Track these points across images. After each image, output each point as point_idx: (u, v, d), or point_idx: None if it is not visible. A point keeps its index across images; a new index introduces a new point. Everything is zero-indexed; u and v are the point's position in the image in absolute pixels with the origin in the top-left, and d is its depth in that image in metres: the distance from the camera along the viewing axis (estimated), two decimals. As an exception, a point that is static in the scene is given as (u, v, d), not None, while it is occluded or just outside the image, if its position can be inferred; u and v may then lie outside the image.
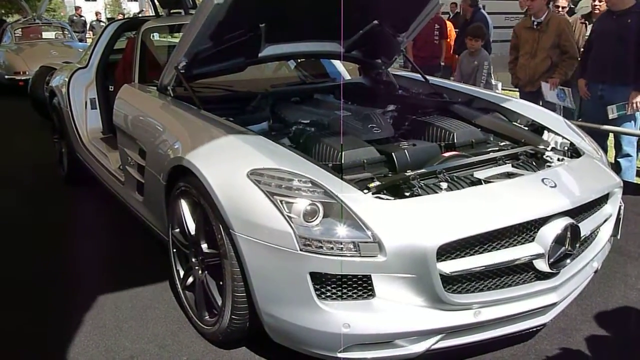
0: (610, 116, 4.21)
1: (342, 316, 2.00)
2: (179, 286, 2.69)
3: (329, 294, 2.03)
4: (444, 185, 2.25)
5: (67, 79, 4.41)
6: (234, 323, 2.28)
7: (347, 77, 4.47)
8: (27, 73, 9.57)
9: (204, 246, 2.43)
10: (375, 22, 3.40)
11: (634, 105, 4.13)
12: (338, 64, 4.50)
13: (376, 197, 2.13)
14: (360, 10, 3.22)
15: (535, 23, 4.95)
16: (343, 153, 2.47)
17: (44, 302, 2.91)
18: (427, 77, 3.75)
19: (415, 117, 3.17)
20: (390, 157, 2.56)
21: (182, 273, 2.68)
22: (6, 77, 10.12)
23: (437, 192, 2.21)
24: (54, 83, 4.79)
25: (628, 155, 4.46)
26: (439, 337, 2.08)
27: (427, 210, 2.08)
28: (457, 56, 6.45)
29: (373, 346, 2.07)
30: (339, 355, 2.06)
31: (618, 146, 4.52)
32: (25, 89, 8.88)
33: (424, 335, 2.06)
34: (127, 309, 2.81)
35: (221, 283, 2.31)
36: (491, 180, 2.33)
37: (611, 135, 4.65)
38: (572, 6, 13.51)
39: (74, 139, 4.33)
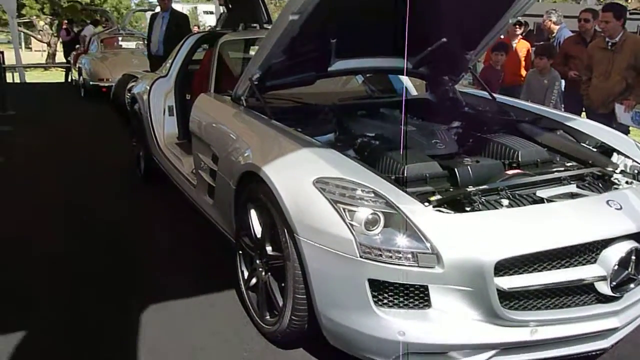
0: None
1: (398, 324, 2.06)
2: (243, 286, 2.83)
3: (385, 301, 2.09)
4: (505, 202, 2.27)
5: (148, 87, 4.70)
6: (294, 324, 2.38)
7: (414, 92, 4.52)
8: (109, 80, 10.19)
9: (269, 249, 2.55)
10: (444, 39, 3.45)
11: None
12: (405, 79, 4.56)
13: (437, 211, 2.18)
14: (429, 27, 3.27)
15: (609, 44, 4.83)
16: (406, 166, 2.54)
17: (127, 294, 3.11)
18: (494, 95, 3.75)
19: (480, 135, 3.19)
20: (453, 173, 2.60)
21: (246, 274, 2.81)
22: (91, 83, 10.82)
23: (497, 209, 2.23)
24: (136, 90, 5.11)
25: None
26: (493, 352, 2.10)
27: (487, 226, 2.12)
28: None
29: (426, 356, 2.11)
30: (392, 362, 2.11)
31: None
32: (108, 95, 9.48)
33: (478, 350, 2.09)
34: (195, 304, 2.97)
35: (283, 285, 2.43)
36: (554, 199, 2.33)
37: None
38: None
39: (151, 142, 4.61)
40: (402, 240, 2.06)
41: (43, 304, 2.99)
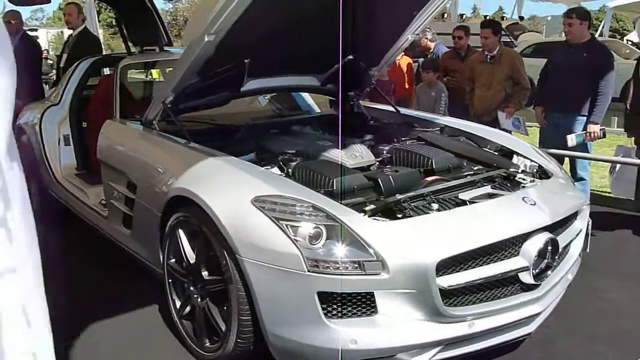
0: (570, 144, 4.48)
1: (348, 333, 2.10)
2: (175, 316, 2.72)
3: (334, 312, 2.13)
4: (435, 206, 2.41)
5: (39, 116, 4.37)
6: (239, 346, 2.34)
7: (317, 110, 4.63)
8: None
9: (205, 273, 2.49)
10: (351, 56, 3.59)
11: (591, 135, 4.46)
12: (307, 96, 4.67)
13: (373, 219, 2.26)
14: (337, 44, 3.39)
15: (488, 57, 5.29)
16: (335, 180, 2.60)
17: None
18: (398, 108, 3.96)
19: (393, 146, 3.35)
20: (377, 182, 2.70)
21: (178, 303, 2.71)
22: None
23: (428, 213, 2.37)
24: (23, 120, 4.71)
25: (582, 179, 4.78)
26: (438, 349, 2.21)
27: (424, 229, 2.24)
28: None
29: (377, 361, 2.17)
30: (345, 371, 2.15)
31: (573, 171, 4.83)
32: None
33: (425, 348, 2.19)
34: (123, 341, 2.81)
35: (225, 308, 2.37)
36: (475, 200, 2.51)
37: (566, 160, 4.95)
38: (513, 40, 14.34)
39: (46, 176, 4.29)
40: (346, 251, 2.11)
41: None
